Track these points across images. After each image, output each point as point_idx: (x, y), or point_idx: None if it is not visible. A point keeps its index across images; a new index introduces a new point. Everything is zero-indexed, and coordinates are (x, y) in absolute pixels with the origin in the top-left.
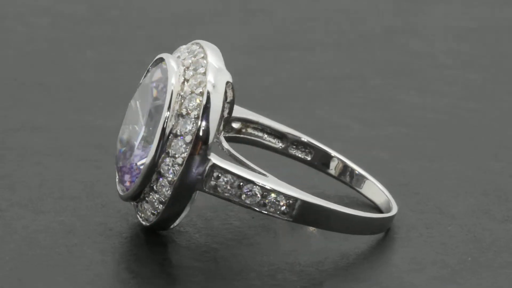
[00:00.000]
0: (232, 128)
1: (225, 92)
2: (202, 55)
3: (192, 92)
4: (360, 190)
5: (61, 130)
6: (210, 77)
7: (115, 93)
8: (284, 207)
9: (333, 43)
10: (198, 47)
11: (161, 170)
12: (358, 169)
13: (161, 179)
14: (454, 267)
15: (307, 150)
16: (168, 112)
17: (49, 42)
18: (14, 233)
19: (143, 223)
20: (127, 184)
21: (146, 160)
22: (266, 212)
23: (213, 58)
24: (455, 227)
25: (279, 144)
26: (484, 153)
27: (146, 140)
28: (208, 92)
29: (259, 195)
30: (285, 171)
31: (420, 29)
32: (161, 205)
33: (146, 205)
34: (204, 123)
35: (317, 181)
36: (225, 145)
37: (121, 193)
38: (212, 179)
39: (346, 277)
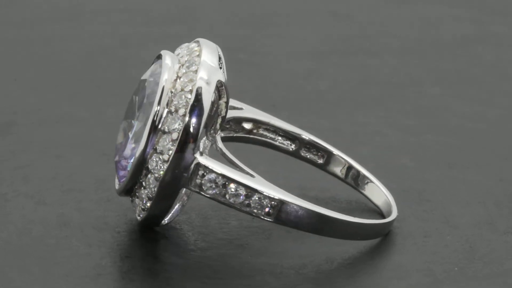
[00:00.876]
0: (243, 128)
1: (218, 91)
2: (197, 53)
3: (182, 90)
4: (366, 194)
5: (95, 124)
6: (200, 75)
7: None
8: (268, 208)
9: (401, 49)
10: (196, 45)
11: (149, 166)
12: (366, 173)
13: (149, 175)
14: (437, 276)
15: (319, 154)
16: (158, 108)
17: (116, 39)
18: (10, 223)
19: (138, 218)
20: (122, 179)
21: (134, 156)
22: (250, 213)
23: (207, 56)
24: (454, 236)
25: (291, 146)
26: None
27: (137, 135)
28: (196, 90)
29: (243, 195)
30: (301, 173)
31: (493, 39)
32: (149, 201)
33: (137, 201)
34: (190, 121)
35: (331, 185)
36: (219, 144)
37: (116, 187)
38: (198, 177)
39: (322, 281)
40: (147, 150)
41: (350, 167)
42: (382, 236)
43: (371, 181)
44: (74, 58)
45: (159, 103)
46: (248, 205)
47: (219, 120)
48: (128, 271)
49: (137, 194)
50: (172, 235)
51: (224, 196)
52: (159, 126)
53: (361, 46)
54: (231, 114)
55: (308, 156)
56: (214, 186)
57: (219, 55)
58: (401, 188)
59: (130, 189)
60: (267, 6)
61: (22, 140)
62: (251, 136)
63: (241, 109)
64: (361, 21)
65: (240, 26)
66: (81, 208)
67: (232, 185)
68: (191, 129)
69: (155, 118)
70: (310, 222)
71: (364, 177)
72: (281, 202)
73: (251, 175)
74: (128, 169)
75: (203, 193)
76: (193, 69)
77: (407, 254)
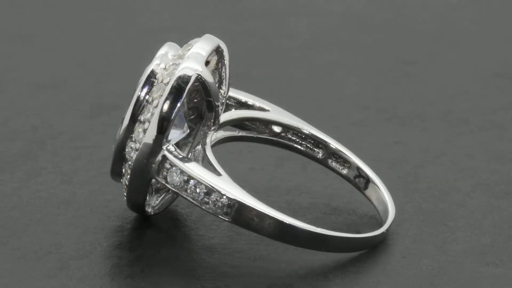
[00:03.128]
0: (271, 131)
1: (202, 86)
2: (190, 47)
3: (162, 81)
4: (372, 200)
5: None
6: (180, 68)
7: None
8: (225, 207)
9: None
10: (197, 39)
11: (126, 154)
12: (379, 183)
13: (126, 163)
14: None
15: (346, 165)
16: (139, 95)
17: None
18: (17, 196)
19: None
20: None
21: (115, 143)
22: (209, 211)
23: (197, 50)
24: (433, 261)
25: (319, 154)
26: None
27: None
28: (172, 84)
29: (202, 192)
30: (326, 182)
31: None
32: (126, 188)
33: (122, 186)
34: (161, 113)
35: (358, 198)
36: (207, 139)
37: None
38: (165, 169)
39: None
40: (125, 138)
41: (368, 181)
42: (356, 251)
43: (380, 192)
44: None
45: (140, 91)
46: (207, 202)
47: (212, 116)
48: (78, 255)
49: (121, 180)
50: (160, 226)
51: (185, 191)
52: (137, 115)
53: None
54: (256, 114)
55: (333, 165)
56: (177, 180)
57: (219, 51)
58: (431, 209)
59: (117, 175)
60: (462, 24)
61: (111, 122)
62: (277, 139)
63: (267, 110)
64: None
65: (425, 40)
66: (98, 190)
67: (192, 181)
68: (160, 121)
69: (133, 108)
70: (266, 226)
71: (378, 190)
72: (238, 203)
73: (218, 174)
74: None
75: (168, 186)
76: (178, 61)
77: (366, 272)
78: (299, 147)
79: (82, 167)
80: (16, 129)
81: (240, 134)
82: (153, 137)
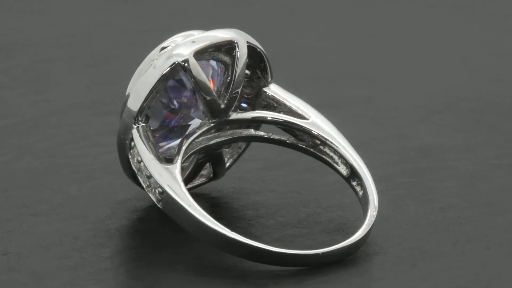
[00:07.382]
0: (310, 140)
1: (189, 73)
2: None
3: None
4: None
5: None
6: (165, 55)
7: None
8: (158, 194)
9: None
10: None
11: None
12: (369, 215)
13: None
14: None
15: (362, 188)
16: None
17: None
18: (79, 158)
19: None
20: None
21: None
22: (150, 194)
23: (203, 35)
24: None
25: (345, 172)
26: None
27: None
28: (152, 66)
29: (145, 175)
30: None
31: None
32: None
33: None
34: (135, 92)
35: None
36: (199, 131)
37: None
38: (132, 147)
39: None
40: (121, 115)
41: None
42: (283, 266)
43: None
44: None
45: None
46: (148, 185)
47: (207, 108)
48: (34, 213)
49: None
50: (150, 215)
51: (139, 170)
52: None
53: None
54: (292, 120)
55: (353, 185)
56: (136, 159)
57: (234, 45)
58: (429, 249)
59: None
60: None
61: None
62: (310, 149)
63: (306, 119)
64: None
65: None
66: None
67: (142, 164)
68: (132, 100)
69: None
70: (184, 220)
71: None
72: (165, 192)
73: (170, 161)
74: None
75: (132, 165)
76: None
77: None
78: (330, 161)
79: None
80: None
81: (271, 136)
82: (126, 113)
